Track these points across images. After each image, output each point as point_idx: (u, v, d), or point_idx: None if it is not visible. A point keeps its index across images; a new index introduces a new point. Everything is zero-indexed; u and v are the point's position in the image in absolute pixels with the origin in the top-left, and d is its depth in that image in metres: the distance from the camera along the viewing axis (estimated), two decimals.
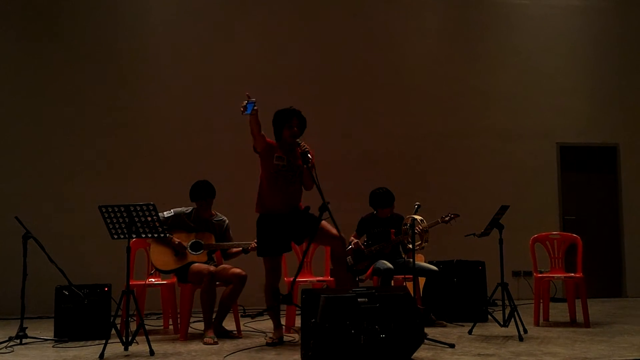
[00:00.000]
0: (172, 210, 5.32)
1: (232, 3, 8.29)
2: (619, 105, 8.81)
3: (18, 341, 4.92)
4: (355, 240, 5.85)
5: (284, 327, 5.09)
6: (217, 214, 5.47)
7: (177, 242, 5.17)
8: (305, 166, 4.56)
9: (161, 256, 5.18)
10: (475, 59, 8.64)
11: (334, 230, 4.62)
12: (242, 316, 6.30)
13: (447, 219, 5.78)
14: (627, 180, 8.71)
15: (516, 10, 8.84)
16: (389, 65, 8.42)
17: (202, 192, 5.33)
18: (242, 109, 4.40)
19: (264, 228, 4.72)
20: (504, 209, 5.19)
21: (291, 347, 4.58)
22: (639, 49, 8.94)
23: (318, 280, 5.77)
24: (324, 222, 4.57)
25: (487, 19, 8.76)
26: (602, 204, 8.70)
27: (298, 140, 4.66)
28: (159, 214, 5.13)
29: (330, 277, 5.74)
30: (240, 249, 5.35)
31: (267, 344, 4.66)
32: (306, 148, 4.58)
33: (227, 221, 5.48)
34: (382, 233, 5.90)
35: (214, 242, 5.30)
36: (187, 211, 5.37)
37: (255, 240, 5.18)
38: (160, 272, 5.40)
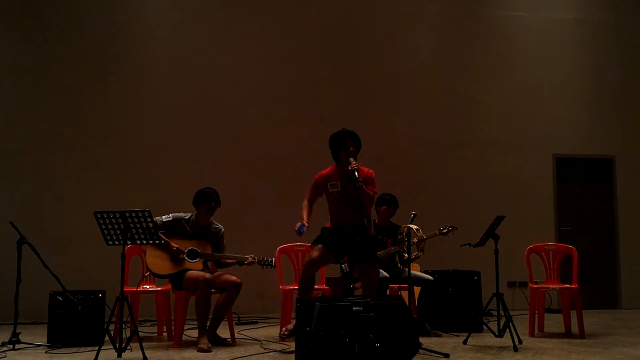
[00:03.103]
0: (170, 215, 5.30)
1: (230, 9, 8.30)
2: (616, 117, 8.85)
3: (11, 347, 4.89)
4: None
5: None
6: (214, 222, 5.46)
7: (175, 248, 5.15)
8: (355, 185, 4.54)
9: (157, 260, 5.16)
10: (472, 70, 8.68)
11: (373, 279, 4.66)
12: (236, 324, 6.28)
13: (445, 231, 5.78)
14: (623, 192, 8.73)
15: (514, 22, 8.88)
16: (385, 76, 8.43)
17: (209, 197, 5.32)
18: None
19: (324, 233, 4.76)
20: (499, 219, 5.20)
21: (285, 356, 4.56)
22: (635, 61, 8.99)
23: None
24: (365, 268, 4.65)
25: (485, 30, 8.80)
26: (598, 215, 8.72)
27: (350, 159, 4.64)
28: (158, 218, 5.15)
29: (326, 285, 5.73)
30: (236, 261, 5.33)
31: (281, 336, 4.71)
32: (355, 167, 4.55)
33: (222, 230, 5.47)
34: (379, 242, 5.89)
35: (210, 252, 5.29)
36: (186, 217, 5.36)
37: (252, 255, 5.20)
38: (154, 276, 5.37)
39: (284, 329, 4.78)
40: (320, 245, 4.67)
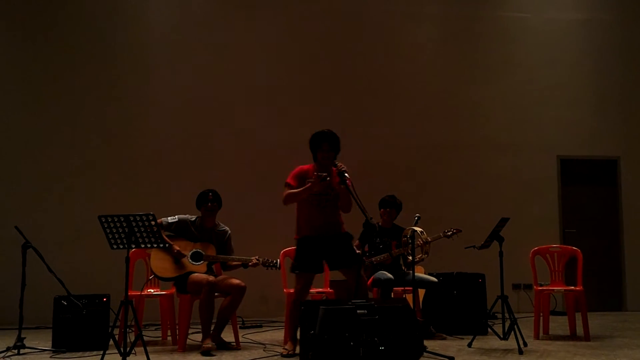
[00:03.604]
0: (176, 216, 5.32)
1: (231, 9, 8.31)
2: (620, 118, 8.82)
3: (16, 351, 4.90)
4: (358, 251, 5.83)
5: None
6: (220, 224, 5.47)
7: (176, 250, 5.16)
8: (342, 186, 4.57)
9: (161, 262, 5.16)
10: (476, 71, 8.66)
11: (360, 277, 4.68)
12: (240, 327, 6.29)
13: (449, 233, 5.78)
14: (628, 194, 8.69)
15: (517, 23, 8.86)
16: (387, 76, 8.43)
17: (205, 199, 5.34)
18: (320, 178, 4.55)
19: (300, 248, 4.81)
20: (504, 221, 5.19)
21: None
22: None
23: (317, 292, 5.75)
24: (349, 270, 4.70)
25: (488, 31, 8.79)
26: (603, 217, 8.68)
27: (335, 161, 4.69)
28: (164, 219, 5.16)
29: (330, 288, 5.73)
30: (240, 263, 5.33)
31: (283, 355, 4.67)
32: (343, 168, 4.58)
33: (229, 232, 5.48)
34: (384, 244, 5.88)
35: (214, 254, 5.29)
36: (192, 219, 5.37)
37: (257, 257, 5.22)
38: (158, 279, 5.38)
39: (285, 349, 4.78)
40: (300, 273, 4.76)
